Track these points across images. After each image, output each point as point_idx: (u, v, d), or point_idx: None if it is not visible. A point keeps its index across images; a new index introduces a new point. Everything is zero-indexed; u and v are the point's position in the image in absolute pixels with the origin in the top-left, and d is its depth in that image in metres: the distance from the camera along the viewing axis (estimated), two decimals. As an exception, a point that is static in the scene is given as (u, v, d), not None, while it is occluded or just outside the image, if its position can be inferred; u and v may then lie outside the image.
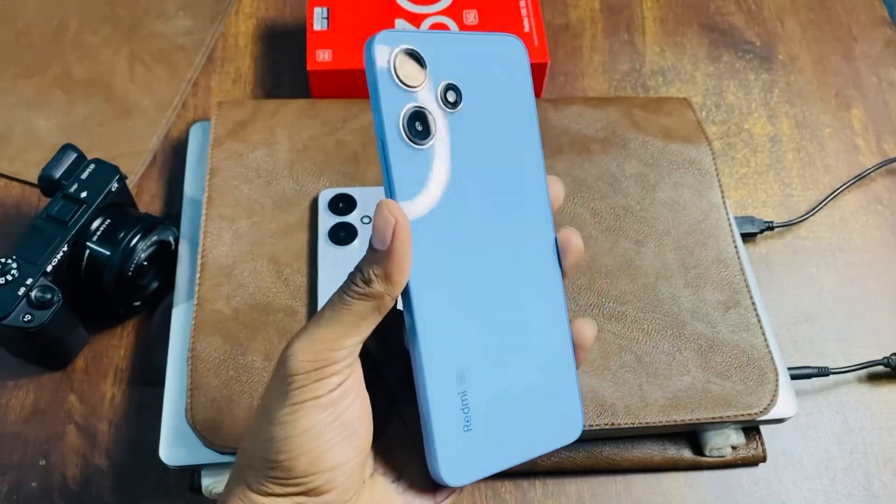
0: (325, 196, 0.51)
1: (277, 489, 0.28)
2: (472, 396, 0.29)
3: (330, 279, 0.48)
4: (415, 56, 0.29)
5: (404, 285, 0.28)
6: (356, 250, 0.49)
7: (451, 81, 0.30)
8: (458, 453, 0.29)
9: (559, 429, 0.32)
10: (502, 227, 0.31)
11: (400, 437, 0.32)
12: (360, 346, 0.29)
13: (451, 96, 0.30)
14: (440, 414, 0.29)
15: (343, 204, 0.51)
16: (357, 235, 0.50)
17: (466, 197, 0.30)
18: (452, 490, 0.31)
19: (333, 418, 0.28)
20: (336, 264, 0.49)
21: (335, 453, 0.28)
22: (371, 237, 0.28)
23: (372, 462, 0.31)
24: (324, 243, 0.49)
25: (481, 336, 0.30)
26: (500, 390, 0.30)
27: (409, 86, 0.29)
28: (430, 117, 0.29)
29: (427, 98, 0.29)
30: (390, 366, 0.34)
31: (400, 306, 0.29)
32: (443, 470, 0.29)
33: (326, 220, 0.50)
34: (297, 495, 0.28)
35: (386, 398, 0.33)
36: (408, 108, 0.29)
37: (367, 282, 0.28)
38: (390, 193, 0.28)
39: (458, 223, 0.30)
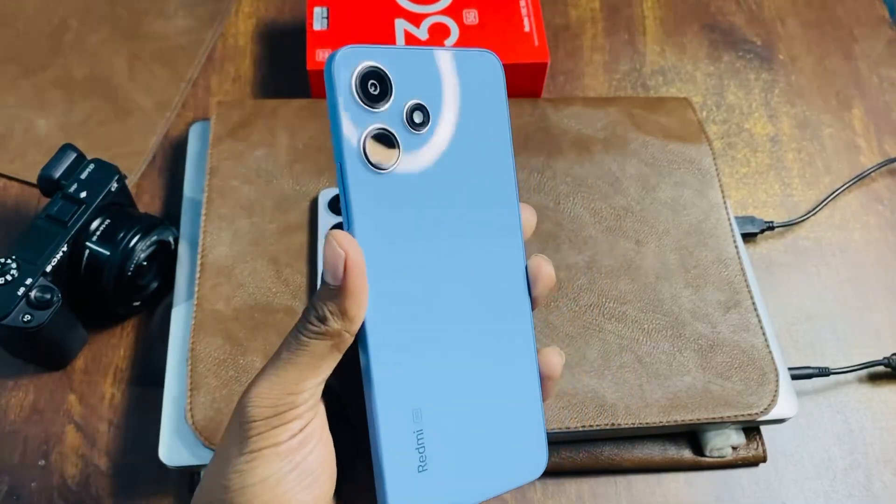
0: (325, 196, 0.51)
1: None
2: (428, 435, 0.27)
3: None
4: (378, 74, 0.27)
5: (363, 319, 0.26)
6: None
7: (418, 101, 0.28)
8: (411, 494, 0.27)
9: (521, 466, 0.30)
10: (469, 257, 0.29)
11: (365, 481, 0.29)
12: (321, 387, 0.27)
13: (417, 117, 0.28)
14: (392, 453, 0.26)
15: None
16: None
17: (430, 224, 0.28)
18: None
19: (293, 466, 0.26)
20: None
21: (295, 503, 0.26)
22: (322, 272, 0.26)
23: None
24: (324, 243, 0.49)
25: (441, 372, 0.28)
26: (459, 428, 0.28)
27: (371, 106, 0.27)
28: (394, 140, 0.27)
29: (392, 119, 0.27)
30: (355, 403, 0.30)
31: None
32: None
33: (326, 220, 0.50)
34: None
35: (349, 440, 0.30)
36: (370, 130, 0.27)
37: (322, 319, 0.26)
38: (347, 222, 0.27)
39: (419, 252, 0.28)
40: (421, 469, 0.27)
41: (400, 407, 0.27)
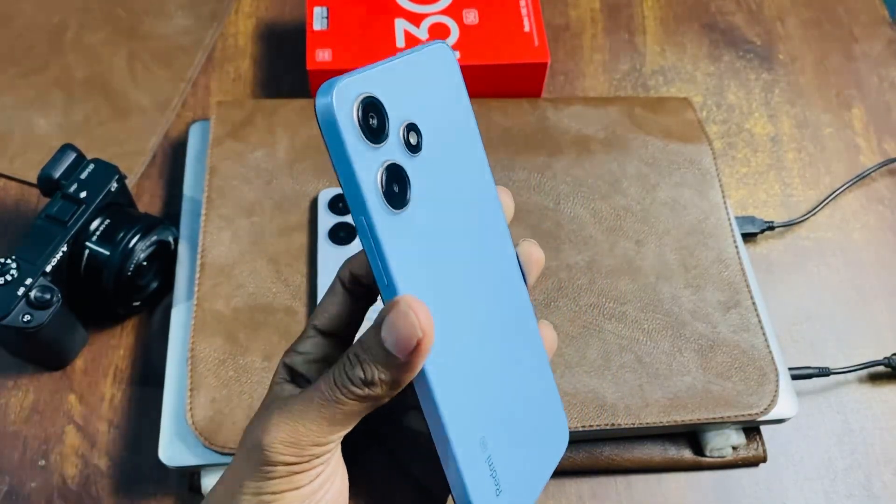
0: (325, 196, 0.51)
1: None
2: (495, 458, 0.27)
3: (329, 279, 0.48)
4: (374, 104, 0.23)
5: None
6: (356, 250, 0.49)
7: (410, 121, 0.25)
8: None
9: (556, 443, 0.31)
10: (483, 264, 0.27)
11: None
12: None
13: (413, 138, 0.25)
14: (477, 490, 0.26)
15: (343, 204, 0.51)
16: (357, 235, 0.49)
17: (449, 245, 0.26)
18: None
19: (313, 503, 0.25)
20: (336, 264, 0.48)
21: None
22: (382, 334, 0.23)
23: None
24: (324, 243, 0.49)
25: (490, 391, 0.27)
26: (513, 438, 0.28)
27: (376, 142, 0.23)
28: (404, 171, 0.24)
29: (395, 149, 0.24)
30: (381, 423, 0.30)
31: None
32: None
33: (326, 220, 0.50)
34: None
35: (379, 451, 0.30)
36: (381, 169, 0.23)
37: (369, 384, 0.24)
38: (387, 280, 0.24)
39: (450, 278, 0.26)
40: (498, 493, 0.27)
41: (471, 443, 0.26)
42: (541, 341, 0.30)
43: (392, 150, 0.24)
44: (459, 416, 0.25)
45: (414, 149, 0.25)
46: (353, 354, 0.25)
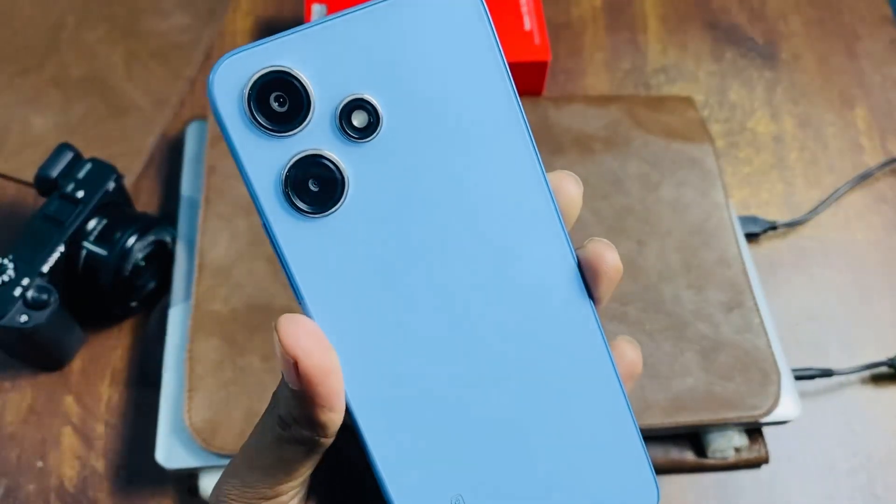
0: None
1: None
2: None
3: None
4: (283, 79, 0.19)
5: (339, 422, 0.21)
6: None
7: (357, 95, 0.20)
8: None
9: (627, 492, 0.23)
10: (481, 282, 0.21)
11: None
12: (303, 483, 0.23)
13: (359, 118, 0.20)
14: None
15: None
16: None
17: (416, 256, 0.21)
18: None
19: None
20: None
21: None
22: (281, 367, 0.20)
23: None
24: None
25: (482, 446, 0.22)
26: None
27: (281, 129, 0.19)
28: (331, 164, 0.20)
29: (320, 137, 0.19)
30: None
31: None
32: None
33: None
34: None
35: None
36: (290, 161, 0.19)
37: (286, 426, 0.21)
38: (297, 295, 0.20)
39: (409, 297, 0.21)
40: None
41: None
42: (611, 372, 0.23)
43: (314, 137, 0.19)
44: (411, 472, 0.21)
45: (361, 132, 0.20)
46: (275, 393, 0.22)
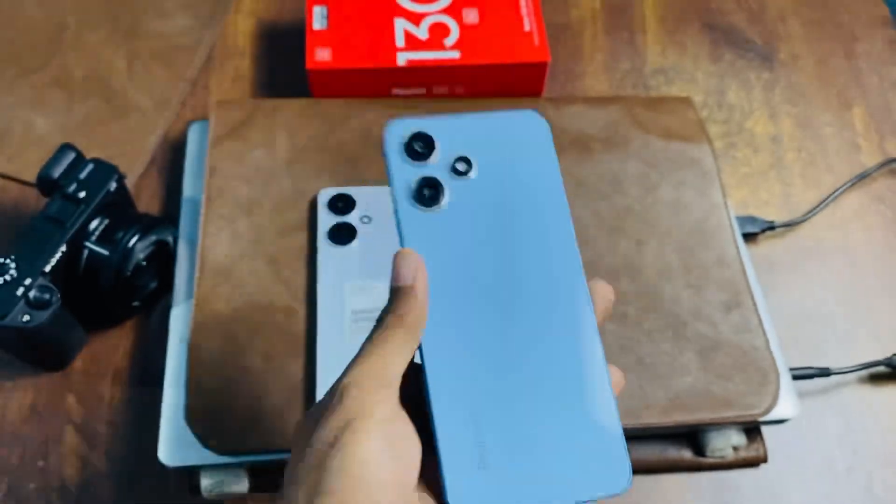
0: (325, 195, 0.51)
1: None
2: (490, 438, 0.30)
3: (329, 279, 0.48)
4: (423, 135, 0.33)
5: (422, 314, 0.30)
6: (355, 250, 0.49)
7: (462, 154, 0.33)
8: (470, 487, 0.29)
9: (602, 475, 0.30)
10: (512, 280, 0.32)
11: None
12: (399, 377, 0.30)
13: (461, 166, 0.33)
14: (450, 447, 0.30)
15: (342, 203, 0.50)
16: (356, 235, 0.49)
17: (477, 256, 0.32)
18: None
19: (385, 438, 0.28)
20: (335, 264, 0.48)
21: (384, 471, 0.28)
22: (392, 276, 0.30)
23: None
24: (323, 243, 0.49)
25: (502, 390, 0.31)
26: (527, 436, 0.30)
27: (417, 160, 0.32)
28: (439, 184, 0.32)
29: (437, 169, 0.32)
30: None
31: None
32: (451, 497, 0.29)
33: (326, 220, 0.50)
34: None
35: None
36: (418, 176, 0.32)
37: (390, 313, 0.30)
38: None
39: (465, 278, 0.31)
40: (482, 466, 0.30)
41: (458, 408, 0.30)
42: (605, 375, 0.32)
43: (433, 169, 0.32)
44: (448, 381, 0.30)
45: (461, 174, 0.32)
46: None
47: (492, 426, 0.30)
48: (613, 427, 0.31)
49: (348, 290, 0.47)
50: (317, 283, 0.48)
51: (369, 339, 0.30)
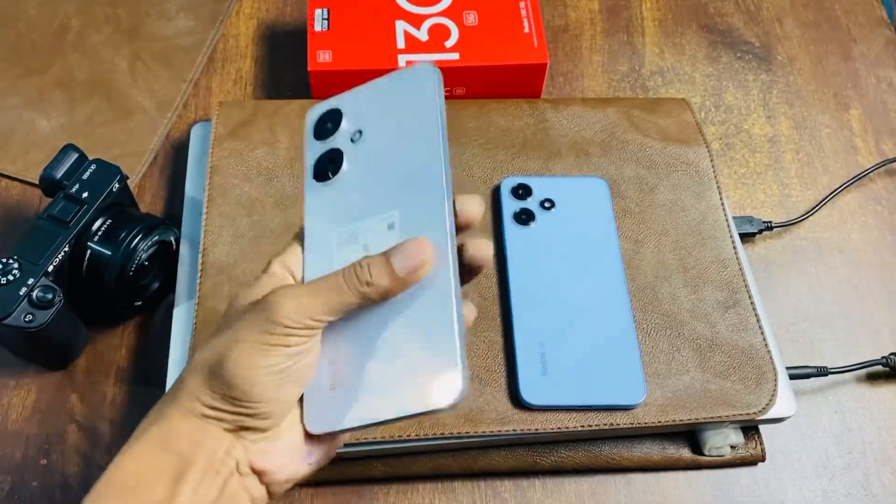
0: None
1: (225, 406, 0.31)
2: (549, 352, 0.46)
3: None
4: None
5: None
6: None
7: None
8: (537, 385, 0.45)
9: (620, 385, 0.45)
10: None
11: None
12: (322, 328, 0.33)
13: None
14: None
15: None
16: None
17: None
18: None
19: (292, 363, 0.32)
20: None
21: (284, 391, 0.32)
22: (394, 257, 0.31)
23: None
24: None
25: (554, 315, 0.47)
26: (570, 349, 0.46)
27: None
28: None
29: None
30: None
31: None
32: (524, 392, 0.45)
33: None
34: (239, 415, 0.32)
35: None
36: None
37: (368, 284, 0.31)
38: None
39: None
40: (543, 372, 0.45)
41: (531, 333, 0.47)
42: (634, 339, 0.47)
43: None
44: (526, 318, 0.47)
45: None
46: (363, 262, 0.32)
47: (552, 344, 0.47)
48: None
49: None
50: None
51: (329, 281, 0.32)
